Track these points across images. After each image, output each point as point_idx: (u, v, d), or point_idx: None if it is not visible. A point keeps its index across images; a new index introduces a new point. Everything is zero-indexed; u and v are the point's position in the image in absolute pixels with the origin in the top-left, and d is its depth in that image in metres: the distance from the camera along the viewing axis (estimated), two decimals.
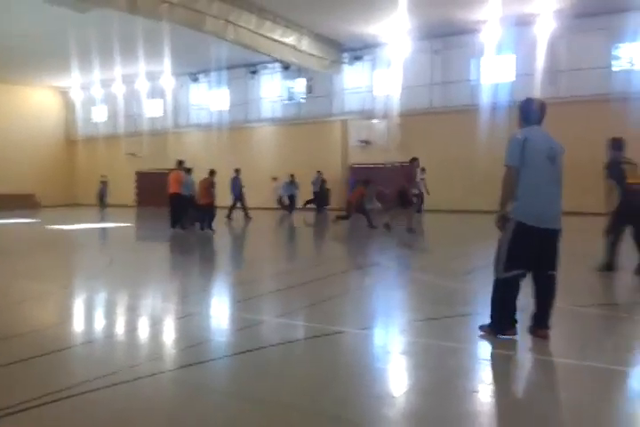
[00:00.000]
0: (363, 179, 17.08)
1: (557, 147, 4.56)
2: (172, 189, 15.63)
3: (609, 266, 7.64)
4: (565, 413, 3.40)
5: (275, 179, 22.74)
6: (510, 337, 4.57)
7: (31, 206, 30.03)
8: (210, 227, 15.08)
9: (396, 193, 14.23)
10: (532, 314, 4.62)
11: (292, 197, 22.92)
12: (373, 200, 17.75)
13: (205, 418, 3.29)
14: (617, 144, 7.60)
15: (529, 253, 4.44)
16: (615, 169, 7.31)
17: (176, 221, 15.34)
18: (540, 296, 4.56)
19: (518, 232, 4.41)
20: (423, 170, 19.26)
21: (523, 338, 4.57)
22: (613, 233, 7.57)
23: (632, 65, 20.09)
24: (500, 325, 4.57)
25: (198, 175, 16.39)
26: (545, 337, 4.51)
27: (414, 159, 14.69)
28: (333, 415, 3.29)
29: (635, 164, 7.47)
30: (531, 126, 4.60)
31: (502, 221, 4.51)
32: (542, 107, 4.72)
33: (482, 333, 4.69)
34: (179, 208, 15.53)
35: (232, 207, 19.74)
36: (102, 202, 28.15)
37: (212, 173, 15.78)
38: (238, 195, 19.67)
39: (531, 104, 4.73)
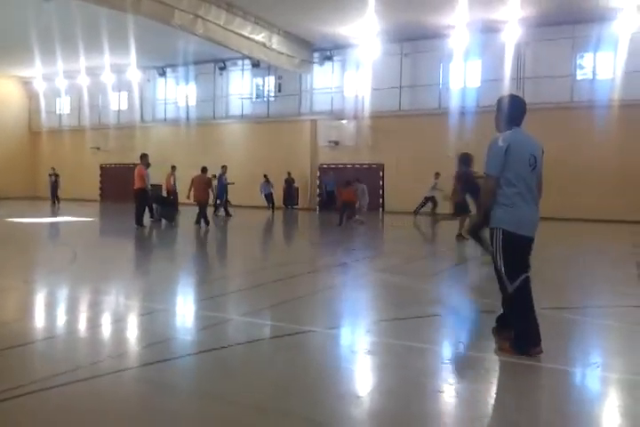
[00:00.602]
0: (352, 178, 17.31)
1: (538, 153, 4.39)
2: (137, 184, 15.37)
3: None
4: (528, 414, 3.45)
5: (214, 176, 22.87)
6: (537, 356, 4.20)
7: None
8: (206, 223, 15.51)
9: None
10: (498, 316, 4.61)
11: (269, 196, 23.21)
12: (364, 197, 17.92)
13: (169, 417, 3.24)
14: (466, 159, 7.92)
15: (520, 257, 4.32)
16: (471, 184, 7.81)
17: (141, 217, 15.09)
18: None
19: (507, 241, 4.26)
20: (438, 174, 18.87)
21: (487, 339, 4.61)
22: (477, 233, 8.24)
23: (595, 74, 20.60)
24: (527, 341, 4.24)
25: (175, 171, 16.27)
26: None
27: (466, 154, 12.72)
28: (300, 415, 3.28)
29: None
30: (513, 129, 4.32)
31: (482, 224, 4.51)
32: (524, 106, 4.43)
33: (504, 352, 4.32)
34: (144, 204, 15.33)
35: (224, 204, 20.17)
36: (56, 196, 27.01)
37: (205, 170, 16.27)
38: (219, 192, 19.89)
39: (512, 102, 4.41)
